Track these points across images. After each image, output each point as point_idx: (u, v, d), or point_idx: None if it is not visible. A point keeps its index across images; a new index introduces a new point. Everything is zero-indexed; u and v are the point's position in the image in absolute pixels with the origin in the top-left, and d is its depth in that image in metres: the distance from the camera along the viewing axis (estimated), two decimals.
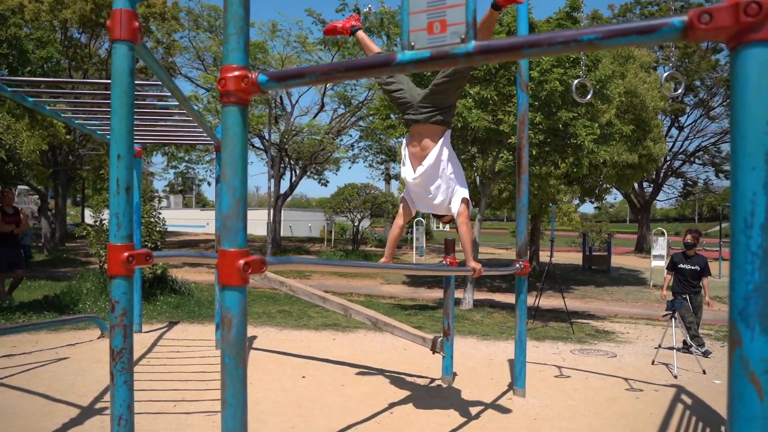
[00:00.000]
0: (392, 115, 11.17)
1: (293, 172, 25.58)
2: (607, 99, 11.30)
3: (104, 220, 9.64)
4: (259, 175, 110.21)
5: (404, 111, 4.17)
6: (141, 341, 7.16)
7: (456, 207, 4.12)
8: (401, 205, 4.40)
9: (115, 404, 2.61)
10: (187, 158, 23.29)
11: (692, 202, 59.05)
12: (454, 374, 5.91)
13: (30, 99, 4.79)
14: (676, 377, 6.30)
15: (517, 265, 5.16)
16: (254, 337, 7.77)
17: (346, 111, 25.81)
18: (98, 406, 4.74)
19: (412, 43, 1.95)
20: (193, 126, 6.33)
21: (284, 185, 25.29)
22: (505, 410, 4.93)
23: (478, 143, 11.60)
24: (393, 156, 26.98)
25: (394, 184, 33.95)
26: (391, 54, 1.94)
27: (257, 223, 35.57)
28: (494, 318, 11.00)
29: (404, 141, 4.25)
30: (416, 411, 4.85)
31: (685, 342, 7.71)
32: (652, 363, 6.93)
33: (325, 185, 28.97)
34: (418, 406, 4.98)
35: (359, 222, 22.88)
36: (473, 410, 4.89)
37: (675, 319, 6.97)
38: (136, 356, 6.37)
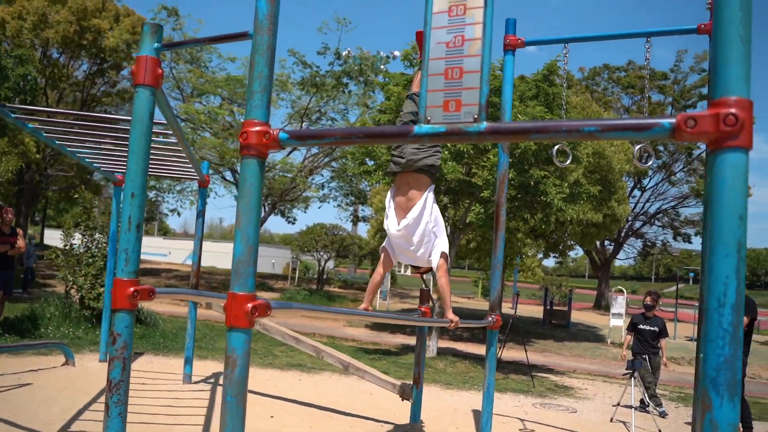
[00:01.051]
0: (368, 161, 11.41)
1: (263, 208, 25.60)
2: (576, 159, 11.78)
3: (74, 244, 9.55)
4: (225, 209, 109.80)
5: (393, 154, 4.32)
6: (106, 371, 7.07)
7: (436, 260, 4.29)
8: (382, 255, 4.55)
9: None
10: (157, 186, 23.15)
11: (650, 262, 60.63)
12: (421, 422, 5.99)
13: (30, 126, 4.87)
14: None
15: (490, 319, 5.34)
16: (219, 373, 7.73)
17: (320, 151, 26.08)
18: None
19: (429, 118, 2.15)
20: (180, 160, 6.44)
21: None
22: None
23: (451, 194, 11.92)
24: (362, 198, 27.24)
25: (362, 226, 34.10)
26: (409, 126, 2.14)
27: (222, 255, 35.26)
28: (457, 367, 11.11)
29: (389, 194, 4.42)
30: None
31: (642, 401, 7.94)
32: (611, 420, 7.13)
33: (293, 223, 29.03)
34: None
35: (326, 262, 22.91)
36: None
37: (634, 378, 7.21)
38: (100, 386, 6.31)
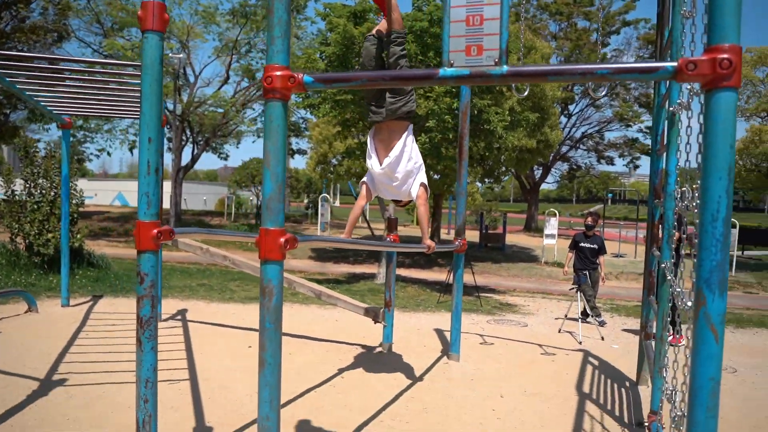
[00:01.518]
0: (311, 94, 11.36)
1: (195, 145, 24.97)
2: (501, 93, 12.17)
3: (16, 191, 9.21)
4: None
5: (368, 105, 4.53)
6: (72, 315, 7.08)
7: (415, 191, 4.57)
8: (363, 188, 4.79)
9: (143, 368, 2.84)
10: (84, 126, 22.08)
11: (571, 185, 63.35)
12: (390, 343, 6.41)
13: None
14: (580, 343, 7.17)
15: (456, 243, 5.70)
16: (185, 310, 7.86)
17: (251, 84, 25.45)
18: (55, 378, 4.79)
19: (452, 62, 2.34)
20: (127, 97, 6.30)
21: (185, 158, 24.65)
22: (445, 372, 5.50)
23: None
24: (297, 131, 26.99)
25: (298, 159, 33.92)
26: (434, 69, 2.33)
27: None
28: (408, 291, 11.64)
29: (370, 132, 4.63)
30: (365, 375, 5.30)
31: (584, 312, 8.68)
32: (559, 331, 7.80)
33: (225, 159, 28.52)
34: (366, 370, 5.43)
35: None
36: (416, 373, 5.42)
37: (579, 293, 7.86)
38: (71, 330, 6.36)
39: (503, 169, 18.40)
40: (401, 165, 4.46)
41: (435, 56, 11.22)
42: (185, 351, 5.77)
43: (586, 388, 5.22)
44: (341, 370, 5.41)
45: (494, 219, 34.26)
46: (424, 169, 4.67)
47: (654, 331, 5.04)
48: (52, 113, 6.70)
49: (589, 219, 9.04)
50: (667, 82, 4.89)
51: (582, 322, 8.51)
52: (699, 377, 1.95)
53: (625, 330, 8.35)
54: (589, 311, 8.50)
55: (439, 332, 7.32)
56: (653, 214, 4.79)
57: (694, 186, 2.75)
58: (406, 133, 4.45)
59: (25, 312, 7.06)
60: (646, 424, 3.98)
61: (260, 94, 25.75)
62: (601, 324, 8.46)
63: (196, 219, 25.91)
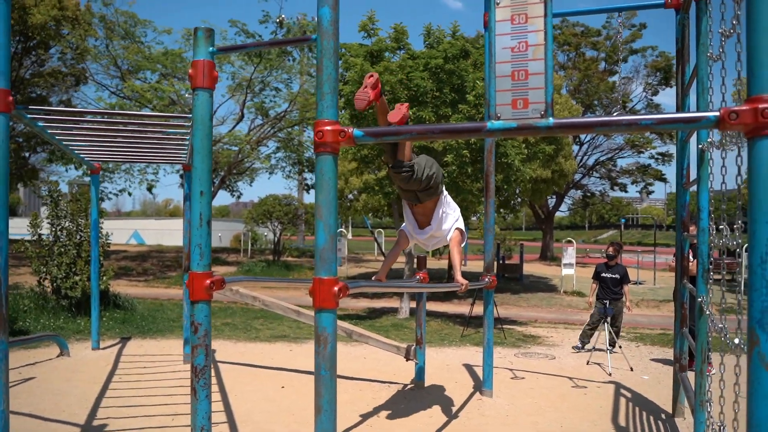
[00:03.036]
0: None
1: (212, 183, 25.28)
2: None
3: (42, 234, 9.39)
4: (170, 186, 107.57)
5: (401, 187, 4.75)
6: (104, 358, 7.17)
7: (450, 234, 4.71)
8: (400, 236, 4.97)
9: (198, 416, 2.91)
10: (103, 167, 22.50)
11: (585, 211, 63.21)
12: (422, 380, 6.42)
13: (40, 124, 4.88)
14: (610, 375, 7.14)
15: (486, 279, 5.76)
16: (213, 350, 7.93)
17: (265, 122, 25.83)
18: (96, 423, 4.85)
19: (498, 114, 2.44)
20: (162, 144, 6.48)
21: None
22: (479, 408, 5.50)
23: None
24: (310, 166, 27.26)
25: (312, 194, 34.21)
26: (482, 123, 2.43)
27: (173, 233, 34.74)
28: (431, 326, 11.62)
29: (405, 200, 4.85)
30: (400, 413, 5.32)
31: (611, 342, 8.66)
32: (587, 363, 7.76)
33: (239, 197, 28.83)
34: (401, 409, 5.45)
35: (281, 232, 23.00)
36: (452, 410, 5.43)
37: (607, 323, 7.85)
38: (104, 373, 6.43)
39: (519, 200, 18.49)
40: (441, 226, 4.68)
41: (450, 92, 11.43)
42: (219, 392, 5.82)
43: (622, 422, 5.20)
44: (377, 409, 5.43)
45: (509, 248, 34.24)
46: (460, 216, 4.83)
47: (686, 362, 5.04)
48: (84, 159, 6.90)
49: (611, 249, 9.06)
50: None
51: (610, 352, 8.48)
52: (756, 416, 1.99)
53: (653, 360, 8.30)
54: (615, 341, 8.47)
55: (468, 367, 7.32)
56: (682, 246, 4.84)
57: (731, 222, 2.81)
58: (439, 199, 4.65)
59: (57, 356, 7.15)
60: None
61: (274, 131, 26.25)
62: (610, 351, 8.38)
63: (213, 256, 26.05)
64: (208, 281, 2.90)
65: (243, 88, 23.29)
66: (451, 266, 21.41)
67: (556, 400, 5.89)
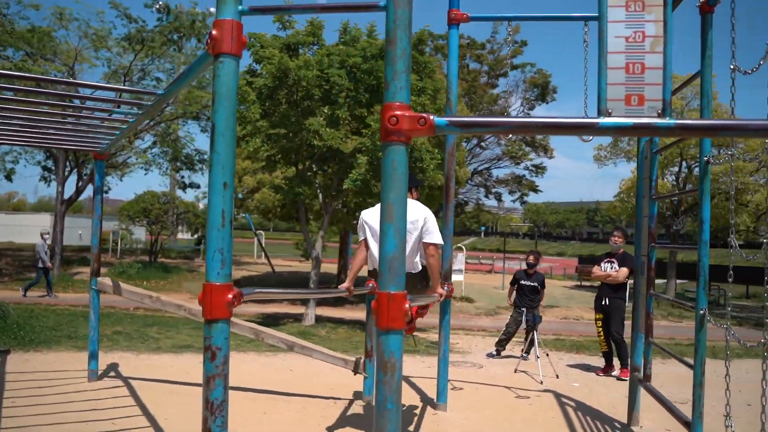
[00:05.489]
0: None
1: (80, 176, 22.97)
2: None
3: None
4: (29, 177, 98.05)
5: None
6: None
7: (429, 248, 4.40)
8: (362, 243, 4.64)
9: None
10: None
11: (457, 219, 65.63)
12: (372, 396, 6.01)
13: None
14: (541, 383, 7.16)
15: (446, 288, 5.49)
16: (115, 365, 6.99)
17: (142, 114, 23.96)
18: None
19: (610, 111, 2.15)
20: (76, 129, 5.57)
21: (69, 189, 22.61)
22: (439, 425, 5.21)
23: (320, 161, 11.81)
24: (190, 164, 25.74)
25: (190, 192, 32.45)
26: (593, 120, 2.12)
27: (26, 229, 31.35)
28: (339, 333, 11.21)
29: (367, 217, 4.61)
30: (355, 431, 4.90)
31: (526, 351, 8.79)
32: (515, 371, 7.76)
33: (107, 192, 26.60)
34: (357, 428, 5.02)
35: (159, 232, 21.41)
36: (411, 428, 5.09)
37: (535, 331, 7.91)
38: None
39: None
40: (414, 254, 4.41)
41: (365, 92, 11.12)
42: (144, 416, 5.04)
43: None
44: (331, 429, 4.96)
45: None
46: (437, 232, 4.53)
47: (644, 371, 5.09)
48: (76, 150, 5.77)
49: (531, 257, 9.20)
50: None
51: (524, 359, 8.57)
52: None
53: (570, 366, 8.50)
54: (527, 348, 8.65)
55: (405, 378, 7.02)
56: (649, 257, 4.87)
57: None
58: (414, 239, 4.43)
59: None
60: None
61: (152, 124, 24.46)
62: (524, 358, 8.52)
63: (78, 256, 23.76)
64: (230, 296, 2.35)
65: (120, 76, 21.44)
66: (341, 270, 21.08)
67: (507, 413, 5.74)
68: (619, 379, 7.67)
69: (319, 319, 12.48)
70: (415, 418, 5.41)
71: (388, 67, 2.18)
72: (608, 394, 6.73)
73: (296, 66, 9.83)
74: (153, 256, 22.06)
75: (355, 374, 5.72)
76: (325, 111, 10.86)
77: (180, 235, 33.43)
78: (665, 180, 19.45)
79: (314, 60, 10.36)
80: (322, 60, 10.44)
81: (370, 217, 4.62)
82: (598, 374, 7.97)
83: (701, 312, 3.68)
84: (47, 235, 15.18)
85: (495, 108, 30.37)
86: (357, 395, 6.00)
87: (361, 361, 5.63)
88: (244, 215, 21.15)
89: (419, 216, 4.39)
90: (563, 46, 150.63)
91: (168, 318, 12.02)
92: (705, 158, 3.72)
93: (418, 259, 4.49)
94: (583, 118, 2.09)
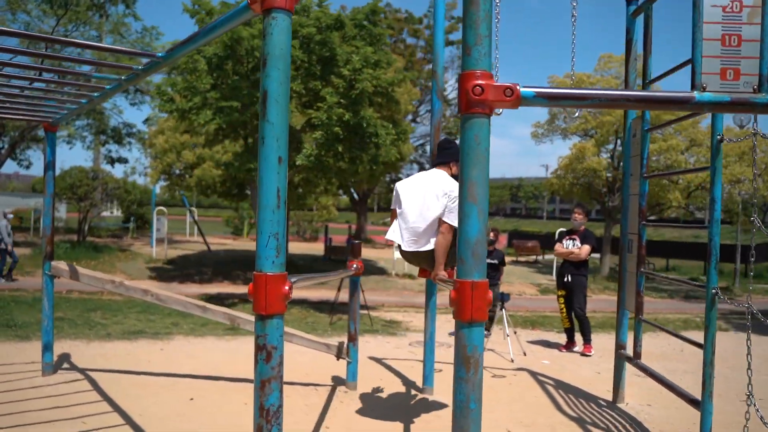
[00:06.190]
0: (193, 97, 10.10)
1: None
2: (395, 101, 12.10)
3: None
4: None
5: None
6: None
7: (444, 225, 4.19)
8: (393, 213, 4.53)
9: None
10: None
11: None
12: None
13: None
14: (512, 361, 7.18)
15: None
16: (66, 355, 6.47)
17: (126, 80, 22.39)
18: None
19: (704, 85, 2.00)
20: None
21: None
22: (428, 408, 5.08)
23: None
24: (117, 138, 24.40)
25: (119, 168, 30.81)
26: (689, 94, 1.96)
27: None
28: (293, 314, 10.92)
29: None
30: (353, 422, 4.69)
31: (487, 328, 8.84)
32: (485, 350, 7.74)
33: (27, 167, 24.98)
34: (349, 417, 4.81)
35: (88, 210, 20.20)
36: (403, 413, 4.93)
37: (504, 309, 7.90)
38: None
39: (358, 181, 18.32)
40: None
41: (317, 63, 10.73)
42: (116, 412, 4.64)
43: (570, 412, 5.13)
44: (322, 418, 4.73)
45: (316, 230, 34.27)
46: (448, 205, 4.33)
47: (633, 349, 5.13)
48: (30, 120, 5.07)
49: (491, 234, 9.19)
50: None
51: (486, 336, 8.61)
52: None
53: (530, 342, 8.59)
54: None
55: (378, 361, 6.87)
56: (640, 235, 4.88)
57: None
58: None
59: None
60: None
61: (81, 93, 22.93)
62: (487, 336, 8.57)
63: None
64: (286, 287, 2.08)
65: (35, 45, 19.88)
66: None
67: (490, 393, 5.66)
68: (582, 354, 7.80)
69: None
70: (404, 403, 5.25)
71: (469, 29, 1.95)
72: (579, 371, 6.82)
73: (249, 35, 9.31)
74: (81, 235, 20.81)
75: (337, 359, 5.49)
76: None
77: (105, 213, 31.77)
78: (600, 157, 20.05)
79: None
80: None
81: (404, 186, 4.39)
82: (560, 350, 8.08)
83: (713, 291, 3.67)
84: (11, 215, 14.03)
85: (429, 84, 30.36)
86: (337, 380, 5.79)
87: (344, 345, 5.41)
88: (180, 192, 20.20)
89: (451, 191, 4.15)
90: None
91: (108, 301, 11.38)
92: (718, 137, 3.69)
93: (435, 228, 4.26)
94: (679, 92, 1.93)
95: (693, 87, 2.04)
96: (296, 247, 25.37)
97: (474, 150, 1.94)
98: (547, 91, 1.99)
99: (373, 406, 5.10)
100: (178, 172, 17.34)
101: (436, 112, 5.43)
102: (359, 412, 4.91)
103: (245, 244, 29.75)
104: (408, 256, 4.42)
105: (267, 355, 2.04)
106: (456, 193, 4.12)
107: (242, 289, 15.22)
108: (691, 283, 5.03)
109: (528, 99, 1.98)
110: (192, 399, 5.10)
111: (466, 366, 1.96)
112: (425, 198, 4.20)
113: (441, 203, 4.10)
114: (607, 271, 20.82)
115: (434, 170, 4.50)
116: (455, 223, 4.15)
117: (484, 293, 1.97)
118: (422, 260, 4.35)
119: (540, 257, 29.44)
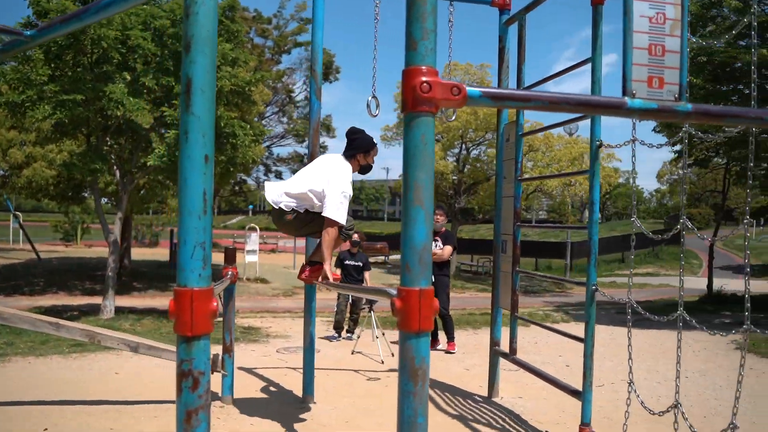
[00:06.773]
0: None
1: None
2: (252, 102, 11.69)
3: None
4: None
5: None
6: None
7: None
8: None
9: None
10: None
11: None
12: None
13: None
14: (382, 362, 7.21)
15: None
16: None
17: None
18: None
19: (634, 92, 2.07)
20: None
21: None
22: (314, 418, 4.91)
23: (116, 134, 10.49)
24: None
25: None
26: (621, 99, 2.04)
27: None
28: (145, 325, 10.09)
29: None
30: None
31: (349, 330, 8.91)
32: (352, 353, 7.71)
33: None
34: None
35: None
36: (286, 426, 4.72)
37: (372, 311, 7.91)
38: None
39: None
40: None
41: (170, 57, 10.06)
42: None
43: (450, 410, 5.23)
44: None
45: (155, 234, 32.39)
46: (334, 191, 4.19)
47: (510, 345, 5.37)
48: None
49: (356, 236, 9.20)
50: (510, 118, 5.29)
51: (348, 339, 8.65)
52: None
53: (393, 342, 8.70)
54: (353, 328, 8.80)
55: (246, 370, 6.54)
56: (515, 235, 5.11)
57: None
58: None
59: None
60: None
61: None
62: (350, 338, 8.69)
63: None
64: (214, 304, 1.85)
65: None
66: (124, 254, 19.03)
67: (368, 398, 5.62)
68: (447, 352, 8.05)
69: (119, 310, 11.09)
70: (288, 415, 5.02)
71: (415, 23, 1.87)
72: (449, 368, 7.02)
73: (97, 24, 8.48)
74: None
75: (212, 372, 5.13)
76: (127, 77, 9.60)
77: None
78: (447, 161, 20.98)
79: (117, 19, 9.05)
80: (124, 19, 9.18)
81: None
82: None
83: (593, 288, 3.93)
84: None
85: (279, 85, 29.99)
86: (211, 396, 5.41)
87: (219, 357, 5.07)
88: (5, 196, 17.93)
89: (335, 182, 4.07)
90: (346, 27, 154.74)
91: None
92: (597, 142, 3.96)
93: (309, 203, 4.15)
94: (613, 97, 2.00)
95: (624, 93, 2.13)
96: (137, 254, 23.64)
97: (421, 151, 1.86)
98: (492, 91, 1.97)
99: (254, 421, 4.83)
100: (2, 172, 15.37)
101: (314, 112, 5.28)
102: (242, 429, 4.63)
103: (80, 251, 27.23)
104: (275, 215, 4.31)
105: (194, 382, 1.79)
106: (338, 187, 4.03)
107: (81, 301, 13.83)
108: (569, 281, 5.35)
109: (474, 98, 1.94)
110: (46, 430, 4.48)
111: (414, 379, 1.88)
112: (315, 171, 4.21)
113: (320, 185, 4.06)
114: (454, 270, 21.82)
115: (339, 156, 4.41)
116: (335, 218, 4.04)
117: (431, 301, 1.89)
118: (283, 225, 4.31)
119: (388, 258, 30.17)
